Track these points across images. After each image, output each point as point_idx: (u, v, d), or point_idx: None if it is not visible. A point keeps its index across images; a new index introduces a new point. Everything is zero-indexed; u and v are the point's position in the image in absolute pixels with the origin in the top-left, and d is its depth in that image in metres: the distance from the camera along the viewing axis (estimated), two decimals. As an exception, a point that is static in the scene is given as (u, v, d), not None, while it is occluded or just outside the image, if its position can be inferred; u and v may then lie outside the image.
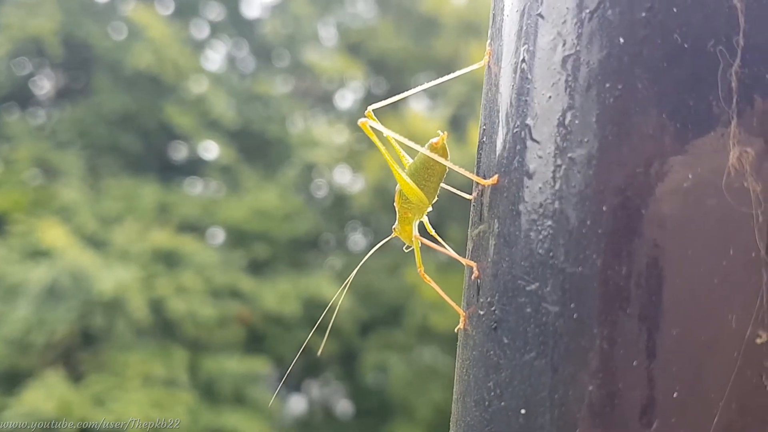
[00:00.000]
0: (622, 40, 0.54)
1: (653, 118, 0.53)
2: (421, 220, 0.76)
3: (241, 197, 11.86)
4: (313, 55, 12.92)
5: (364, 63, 12.88)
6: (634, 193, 0.52)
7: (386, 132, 0.78)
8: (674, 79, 0.53)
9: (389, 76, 13.80)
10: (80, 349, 10.32)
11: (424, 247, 0.82)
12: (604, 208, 0.53)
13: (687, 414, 0.51)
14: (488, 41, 0.67)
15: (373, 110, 0.77)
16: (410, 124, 11.85)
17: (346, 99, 14.36)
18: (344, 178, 13.68)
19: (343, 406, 13.18)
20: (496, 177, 0.61)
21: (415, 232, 0.76)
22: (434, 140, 0.72)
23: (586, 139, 0.54)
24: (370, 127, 0.76)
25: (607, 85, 0.54)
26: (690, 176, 0.52)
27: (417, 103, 14.07)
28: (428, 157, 0.72)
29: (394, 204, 0.76)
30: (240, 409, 10.28)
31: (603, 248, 0.53)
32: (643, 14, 0.53)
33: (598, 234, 0.53)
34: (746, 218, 0.51)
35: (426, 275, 0.73)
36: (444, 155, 0.72)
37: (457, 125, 12.31)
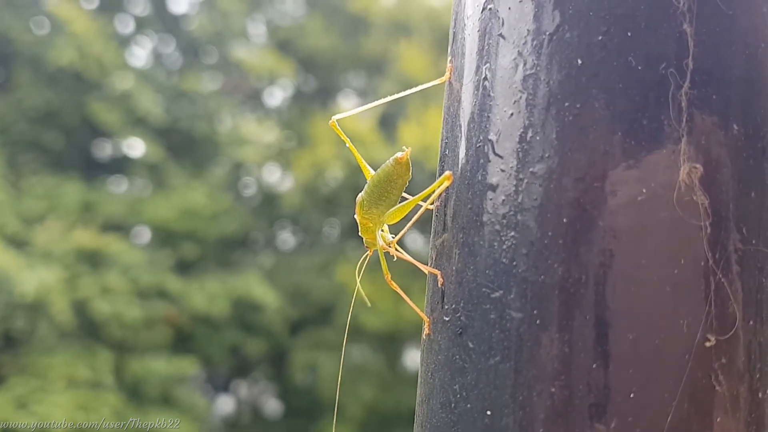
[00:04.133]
0: (579, 61, 0.57)
1: (609, 136, 0.56)
2: (382, 229, 0.79)
3: (168, 196, 11.69)
4: (241, 52, 12.81)
5: (293, 61, 12.83)
6: (591, 206, 0.56)
7: (348, 143, 0.80)
8: (629, 98, 0.56)
9: (319, 74, 13.78)
10: (1, 352, 10.07)
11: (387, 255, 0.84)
12: (564, 220, 0.56)
13: (643, 413, 0.54)
14: (449, 58, 0.69)
15: (336, 120, 0.79)
16: (341, 122, 11.81)
17: (275, 97, 14.29)
18: (273, 176, 13.60)
19: (272, 406, 13.13)
20: (448, 173, 0.64)
21: (380, 240, 0.79)
22: (399, 155, 0.74)
23: (546, 155, 0.57)
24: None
25: (567, 104, 0.57)
26: (643, 190, 0.55)
27: (347, 102, 14.07)
28: (391, 170, 0.74)
29: (355, 216, 0.78)
30: (168, 410, 10.16)
31: (563, 258, 0.56)
32: (600, 37, 0.56)
33: (559, 244, 0.56)
34: (696, 230, 0.55)
35: (393, 282, 0.75)
36: (407, 170, 0.75)
37: (386, 124, 12.37)
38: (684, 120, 0.56)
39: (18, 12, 11.58)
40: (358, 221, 0.78)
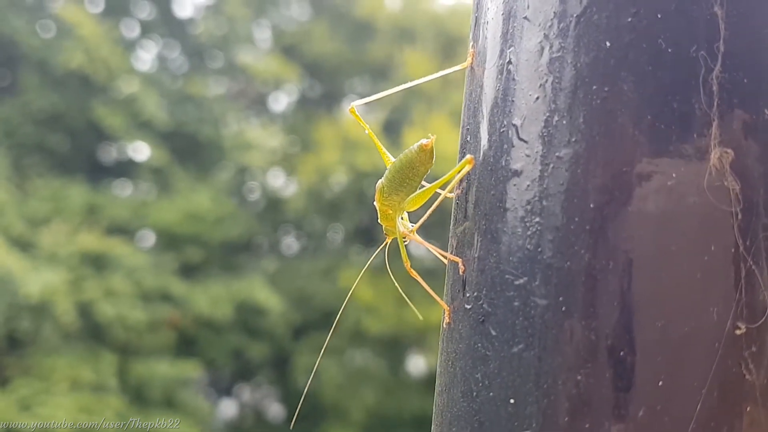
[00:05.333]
0: (608, 43, 0.56)
1: (638, 120, 0.55)
2: (402, 216, 0.78)
3: (172, 200, 11.70)
4: (247, 57, 12.82)
5: (298, 66, 12.84)
6: (619, 191, 0.55)
7: (367, 129, 0.80)
8: (659, 82, 0.55)
9: (324, 79, 13.79)
10: (5, 354, 10.07)
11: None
12: (591, 206, 0.55)
13: (671, 402, 0.53)
14: (471, 43, 0.68)
15: (355, 106, 0.78)
16: (345, 127, 11.87)
17: (280, 102, 14.29)
18: (278, 181, 13.62)
19: (275, 410, 13.12)
20: (470, 157, 0.63)
21: (401, 227, 0.77)
22: (424, 141, 0.73)
23: (573, 139, 0.56)
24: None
25: (594, 87, 0.56)
26: (673, 175, 0.54)
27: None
28: (415, 157, 0.73)
29: (374, 203, 0.77)
30: (171, 413, 10.16)
31: (590, 244, 0.55)
32: (629, 19, 0.55)
33: (586, 230, 0.55)
34: (726, 216, 0.54)
35: (413, 270, 0.74)
36: (431, 158, 0.74)
37: (391, 130, 12.39)
38: (715, 104, 0.54)
39: (24, 15, 11.61)
40: (377, 208, 0.77)
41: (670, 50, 0.55)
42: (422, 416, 11.16)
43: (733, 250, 0.54)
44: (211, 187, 12.03)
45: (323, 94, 13.98)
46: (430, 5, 13.90)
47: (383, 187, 0.76)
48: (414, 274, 0.73)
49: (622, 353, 0.53)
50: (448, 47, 13.51)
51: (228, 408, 13.19)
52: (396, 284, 0.88)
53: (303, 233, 13.49)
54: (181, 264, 11.57)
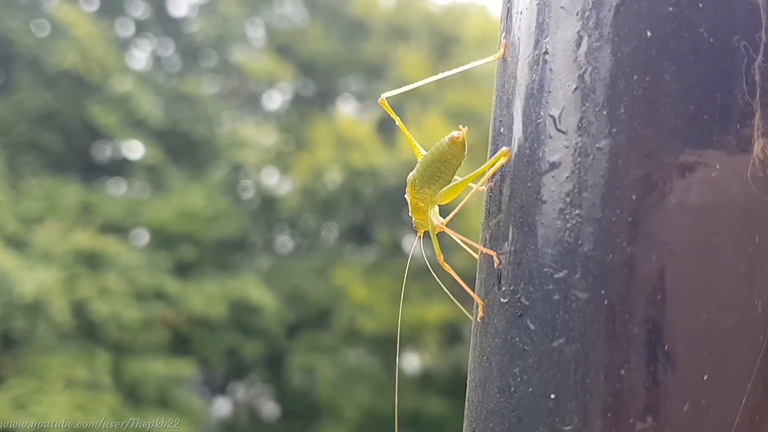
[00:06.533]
0: (649, 33, 0.55)
1: (681, 110, 0.54)
2: (433, 209, 0.77)
3: (166, 198, 11.70)
4: (241, 56, 12.81)
5: (292, 64, 12.83)
6: (662, 183, 0.54)
7: (397, 121, 0.79)
8: (701, 71, 0.54)
9: (318, 78, 13.78)
10: (0, 352, 10.08)
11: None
12: (633, 197, 0.54)
13: (716, 396, 0.52)
14: (502, 34, 0.67)
15: (385, 98, 0.77)
16: (340, 126, 11.88)
17: (274, 100, 14.28)
18: (272, 179, 13.61)
19: (270, 408, 13.11)
20: (505, 149, 0.62)
21: (433, 220, 0.76)
22: (456, 134, 0.72)
23: (614, 130, 0.55)
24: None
25: (635, 77, 0.55)
26: (717, 166, 0.53)
27: (346, 105, 14.10)
28: (446, 149, 0.72)
29: (405, 195, 0.76)
30: (165, 411, 10.15)
31: (632, 236, 0.54)
32: (670, 9, 0.55)
33: (628, 222, 0.54)
34: (770, 207, 0.53)
35: (446, 263, 0.73)
36: (462, 150, 0.73)
37: (385, 129, 12.41)
38: (758, 94, 0.54)
39: (19, 14, 11.58)
40: (408, 201, 0.76)
41: (711, 40, 0.54)
42: (416, 414, 11.17)
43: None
44: (205, 186, 12.01)
45: (317, 92, 13.97)
46: (423, 4, 13.92)
47: (414, 180, 0.75)
48: (447, 267, 0.73)
49: (666, 347, 0.53)
50: (442, 46, 13.55)
51: (222, 406, 13.18)
52: (439, 282, 0.86)
53: (297, 231, 13.49)
54: (175, 262, 11.56)
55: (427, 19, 13.61)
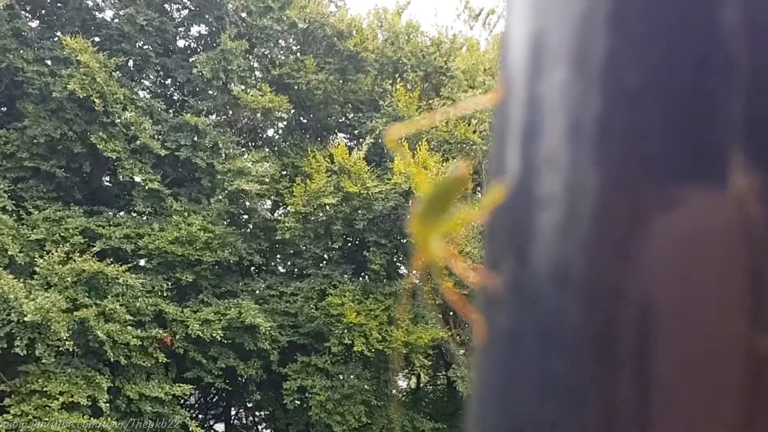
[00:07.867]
0: (635, 76, 0.60)
1: (665, 147, 0.59)
2: (434, 239, 0.79)
3: (166, 223, 11.88)
4: (239, 88, 13.01)
5: (289, 96, 13.14)
6: (648, 216, 0.58)
7: (405, 155, 0.82)
8: (684, 110, 0.60)
9: (313, 110, 14.13)
10: (0, 373, 10.15)
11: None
12: (622, 229, 0.59)
13: (705, 421, 0.55)
14: (500, 71, 0.71)
15: (388, 134, 0.80)
16: (336, 154, 12.14)
17: (271, 131, 14.65)
18: (268, 206, 13.89)
19: (265, 431, 13.16)
20: (500, 185, 0.66)
21: (435, 250, 0.79)
22: (459, 166, 0.76)
23: (603, 166, 0.59)
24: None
25: (622, 117, 0.61)
26: (699, 199, 0.59)
27: (339, 135, 14.55)
28: (449, 182, 0.76)
29: (409, 227, 0.78)
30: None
31: (621, 265, 0.58)
32: (654, 54, 0.59)
33: (617, 252, 0.58)
34: (752, 240, 0.57)
35: (444, 289, 0.76)
36: (465, 182, 0.76)
37: (374, 156, 12.68)
38: (737, 130, 0.58)
39: (25, 44, 11.81)
40: (412, 233, 0.79)
41: (692, 80, 0.58)
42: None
43: (759, 274, 0.57)
44: (204, 212, 12.19)
45: (313, 123, 14.30)
46: (414, 38, 14.27)
47: (418, 213, 0.78)
48: (445, 292, 0.75)
49: (654, 371, 0.56)
50: (432, 77, 13.95)
51: (218, 429, 13.21)
52: (431, 307, 0.88)
53: (293, 256, 13.61)
54: (173, 286, 11.69)
55: (417, 48, 13.98)
